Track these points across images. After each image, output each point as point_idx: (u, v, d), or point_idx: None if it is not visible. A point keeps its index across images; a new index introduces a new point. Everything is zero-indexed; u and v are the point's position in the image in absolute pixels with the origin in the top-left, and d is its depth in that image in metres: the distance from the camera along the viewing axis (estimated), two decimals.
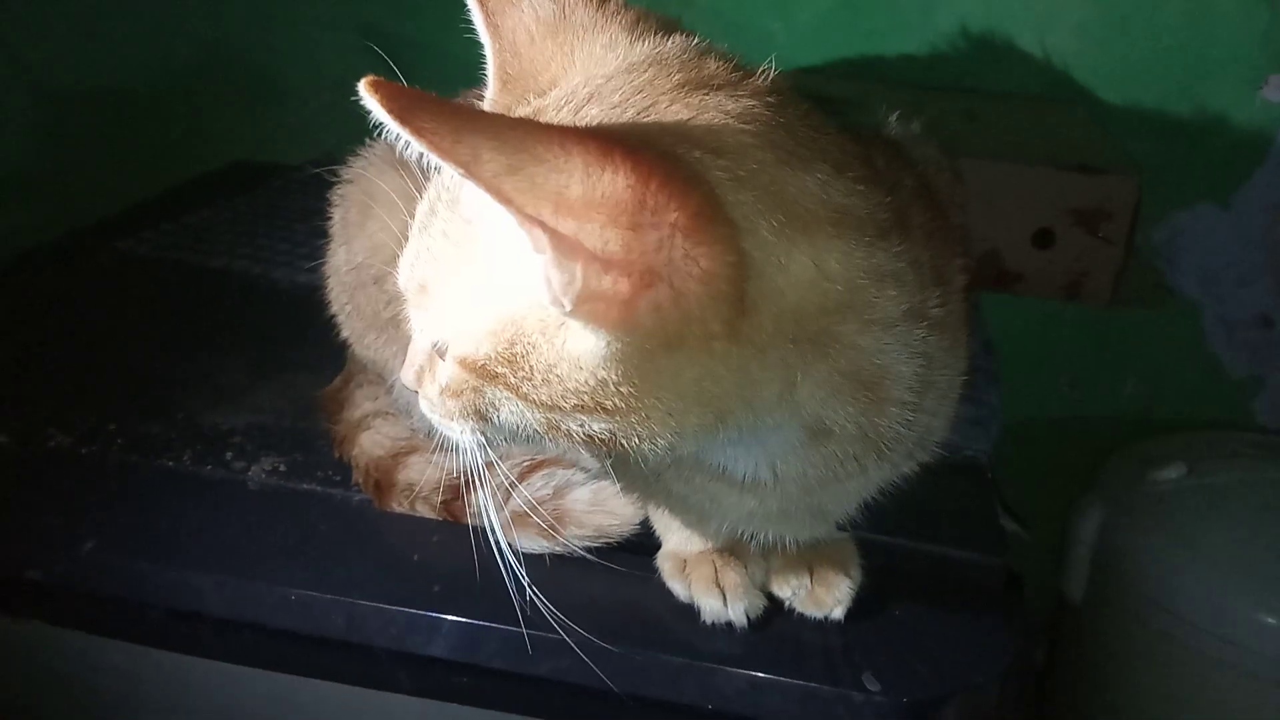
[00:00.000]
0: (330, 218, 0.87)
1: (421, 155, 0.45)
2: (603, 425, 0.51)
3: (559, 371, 0.50)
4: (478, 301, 0.52)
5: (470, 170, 0.43)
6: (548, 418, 0.52)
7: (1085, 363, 1.57)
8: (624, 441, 0.52)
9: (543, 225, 0.44)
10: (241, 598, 0.74)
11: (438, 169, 0.56)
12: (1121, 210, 1.14)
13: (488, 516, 0.64)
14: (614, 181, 0.44)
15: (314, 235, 0.92)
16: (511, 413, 0.53)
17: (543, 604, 0.65)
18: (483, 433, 0.57)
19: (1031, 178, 1.15)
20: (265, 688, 0.75)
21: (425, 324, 0.57)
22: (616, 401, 0.50)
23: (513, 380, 0.51)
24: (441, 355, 0.56)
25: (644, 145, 0.46)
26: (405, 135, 0.44)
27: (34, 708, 0.80)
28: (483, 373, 0.52)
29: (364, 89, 0.43)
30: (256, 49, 1.62)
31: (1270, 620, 1.21)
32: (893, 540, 0.79)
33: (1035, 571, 0.86)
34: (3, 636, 0.79)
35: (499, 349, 0.51)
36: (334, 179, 0.86)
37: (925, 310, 0.58)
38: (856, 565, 0.73)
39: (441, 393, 0.56)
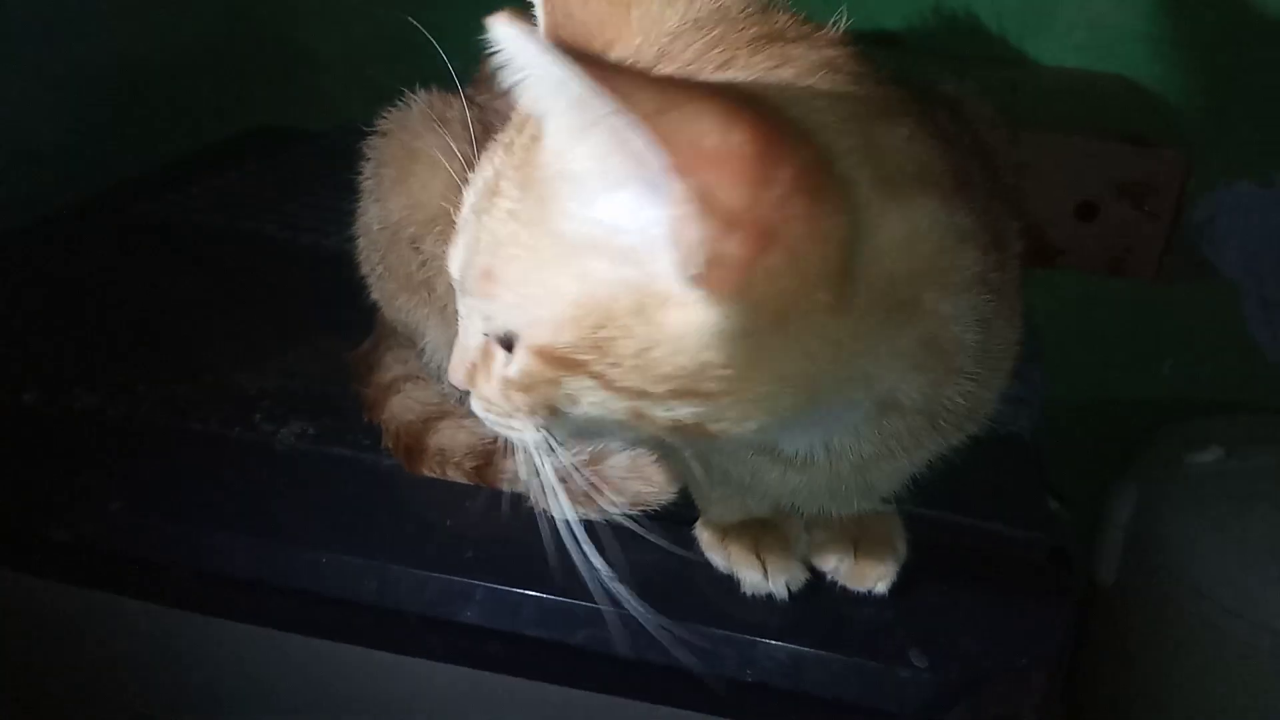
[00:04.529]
0: (362, 173, 0.85)
1: (536, 99, 0.44)
2: (693, 410, 0.49)
3: (655, 354, 0.47)
4: (558, 285, 0.48)
5: (629, 102, 0.41)
6: (634, 405, 0.49)
7: (1122, 343, 1.54)
8: (712, 426, 0.50)
9: (682, 173, 0.42)
10: (271, 560, 0.73)
11: (505, 142, 0.53)
12: (1168, 184, 1.11)
13: (553, 491, 0.61)
14: (741, 134, 0.42)
15: (341, 202, 0.90)
16: (593, 404, 0.50)
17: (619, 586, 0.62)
18: (548, 428, 0.54)
19: (1075, 149, 1.13)
20: (294, 652, 0.73)
21: (492, 313, 0.52)
22: (713, 385, 0.48)
23: (598, 368, 0.48)
24: (507, 346, 0.53)
25: (755, 99, 0.45)
26: (552, 66, 0.42)
27: (57, 670, 0.79)
28: (563, 363, 0.49)
29: (500, 22, 0.42)
30: (281, 15, 1.60)
31: None
32: (938, 515, 0.76)
33: None
34: (27, 597, 0.78)
35: (583, 334, 0.48)
36: (369, 130, 0.84)
37: (987, 275, 0.56)
38: (902, 539, 0.71)
39: (505, 387, 0.53)
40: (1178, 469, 1.34)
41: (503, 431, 0.56)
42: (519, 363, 0.51)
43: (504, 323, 0.52)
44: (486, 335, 0.55)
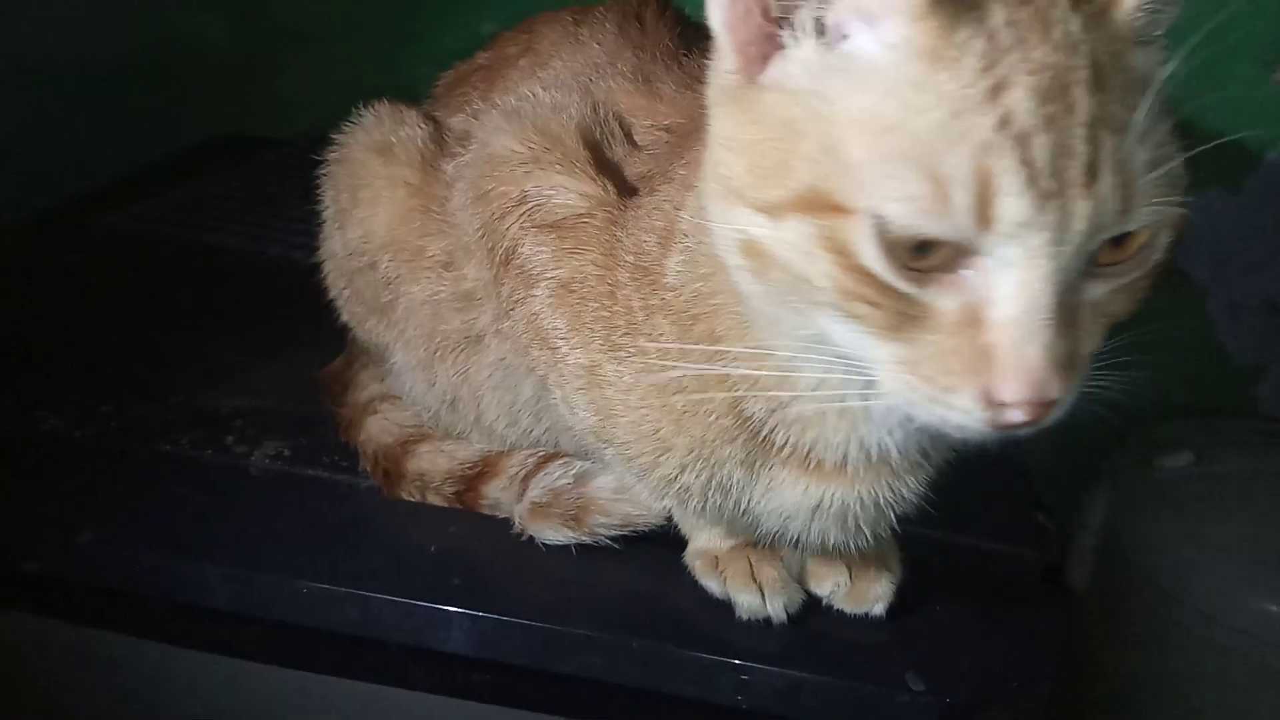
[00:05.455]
0: (322, 200, 0.83)
1: None
2: None
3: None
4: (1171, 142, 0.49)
5: None
6: None
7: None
8: None
9: None
10: (249, 590, 0.71)
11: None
12: None
13: None
14: None
15: (309, 212, 0.88)
16: None
17: None
18: None
19: None
20: (274, 684, 0.71)
21: (1139, 219, 0.46)
22: None
23: None
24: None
25: None
26: None
27: (30, 705, 0.76)
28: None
29: None
30: (246, 19, 1.56)
31: (1277, 609, 1.19)
32: (929, 533, 0.76)
33: None
34: None
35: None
36: (319, 157, 0.82)
37: None
38: (897, 560, 0.71)
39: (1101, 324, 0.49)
40: (1149, 473, 1.35)
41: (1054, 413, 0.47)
42: (1145, 261, 0.48)
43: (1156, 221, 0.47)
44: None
